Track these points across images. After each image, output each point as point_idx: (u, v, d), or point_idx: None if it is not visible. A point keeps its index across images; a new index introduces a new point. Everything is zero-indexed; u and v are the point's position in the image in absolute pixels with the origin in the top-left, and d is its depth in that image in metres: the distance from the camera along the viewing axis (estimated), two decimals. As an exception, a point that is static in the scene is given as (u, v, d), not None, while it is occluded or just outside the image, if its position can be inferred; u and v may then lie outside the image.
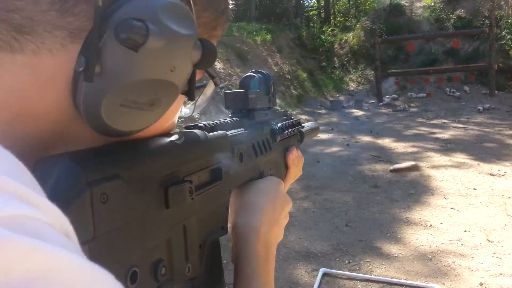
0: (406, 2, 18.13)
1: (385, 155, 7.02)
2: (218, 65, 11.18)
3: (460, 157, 6.59)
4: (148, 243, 0.38)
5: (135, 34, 0.31)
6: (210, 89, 0.56)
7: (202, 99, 0.58)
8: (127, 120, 0.36)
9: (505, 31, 13.39)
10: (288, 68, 14.09)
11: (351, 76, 15.93)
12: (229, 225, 0.61)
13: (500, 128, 8.84)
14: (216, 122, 0.59)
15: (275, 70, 13.28)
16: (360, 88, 15.12)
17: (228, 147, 0.57)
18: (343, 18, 27.50)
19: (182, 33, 0.35)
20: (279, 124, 0.79)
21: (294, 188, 5.47)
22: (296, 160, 0.88)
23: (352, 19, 23.98)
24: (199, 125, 0.54)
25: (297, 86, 13.67)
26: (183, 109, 0.57)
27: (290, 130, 0.83)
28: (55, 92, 0.34)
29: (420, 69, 13.46)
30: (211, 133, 0.54)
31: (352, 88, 15.27)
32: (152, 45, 0.33)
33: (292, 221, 4.37)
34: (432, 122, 10.21)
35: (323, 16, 26.67)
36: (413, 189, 5.22)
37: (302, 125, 0.97)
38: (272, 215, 0.63)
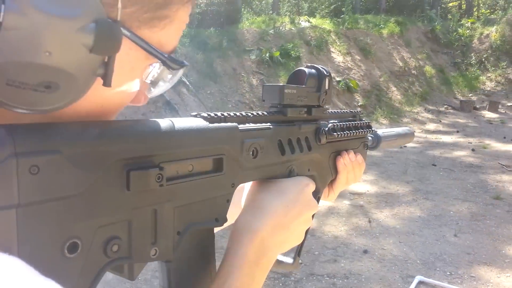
0: None
1: (517, 165, 6.24)
2: (338, 58, 11.04)
3: None
4: (100, 220, 0.40)
5: None
6: (165, 73, 0.47)
7: (161, 84, 0.49)
8: (23, 99, 0.35)
9: None
10: (415, 63, 13.23)
11: (489, 75, 14.31)
12: None
13: None
14: (233, 114, 0.57)
15: (399, 64, 12.60)
16: (498, 88, 13.50)
17: (237, 140, 0.55)
18: (488, 11, 24.68)
19: (55, 13, 0.33)
20: (329, 125, 0.74)
21: (401, 190, 5.22)
22: (350, 165, 0.81)
23: (499, 11, 21.37)
24: (201, 114, 0.53)
25: (423, 83, 12.77)
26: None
27: (345, 132, 0.78)
28: None
29: None
30: (214, 124, 0.53)
31: (488, 88, 13.71)
32: (10, 25, 0.31)
33: (394, 223, 4.20)
34: None
35: (464, 8, 24.28)
36: (544, 207, 4.57)
37: (373, 129, 0.90)
38: (282, 218, 0.59)
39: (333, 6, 16.31)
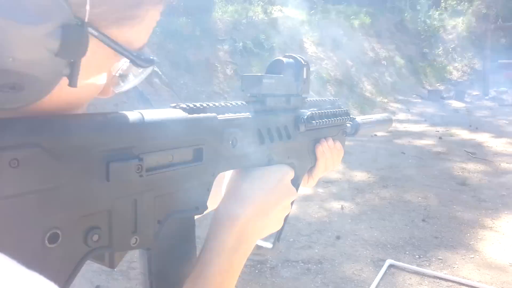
0: (530, -16, 16.13)
1: (481, 153, 6.50)
2: (310, 48, 11.14)
3: None
4: (80, 210, 0.42)
5: None
6: (134, 70, 0.48)
7: (131, 78, 0.49)
8: None
9: None
10: (385, 54, 13.50)
11: (455, 65, 14.77)
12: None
13: None
14: (212, 104, 0.58)
15: (370, 55, 12.83)
16: (464, 78, 13.97)
17: (216, 130, 0.57)
18: (454, 1, 25.29)
19: (18, 20, 0.33)
20: (307, 113, 0.75)
21: (372, 178, 5.37)
22: (328, 152, 0.83)
23: (465, 3, 21.98)
24: (180, 105, 0.54)
25: (393, 73, 13.06)
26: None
27: (324, 120, 0.79)
28: None
29: (539, 61, 12.04)
30: (194, 115, 0.54)
31: (455, 78, 14.17)
32: None
33: (365, 209, 4.33)
34: (545, 120, 9.14)
35: (431, -1, 24.78)
36: (506, 191, 4.81)
37: (351, 116, 0.92)
38: (261, 205, 0.61)
39: (305, -4, 16.38)
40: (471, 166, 5.83)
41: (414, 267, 3.20)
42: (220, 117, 0.58)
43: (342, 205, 4.42)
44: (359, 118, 0.99)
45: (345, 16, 13.54)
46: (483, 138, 7.54)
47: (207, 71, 8.56)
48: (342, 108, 0.90)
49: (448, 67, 14.71)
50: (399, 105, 11.26)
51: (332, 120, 0.83)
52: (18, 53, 0.35)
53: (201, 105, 0.56)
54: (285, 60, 0.72)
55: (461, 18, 16.22)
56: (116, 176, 0.44)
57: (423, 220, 4.05)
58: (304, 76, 0.73)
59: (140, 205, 0.48)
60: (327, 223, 4.01)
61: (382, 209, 4.36)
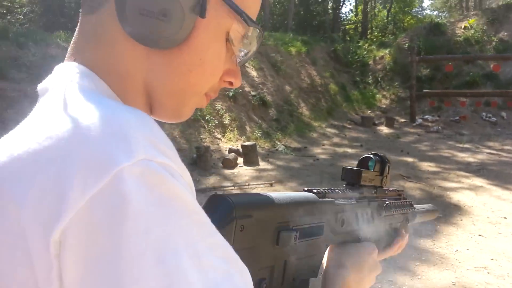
0: (447, 21, 17.85)
1: (415, 176, 6.93)
2: (252, 73, 11.34)
3: (493, 184, 6.43)
4: (259, 264, 0.57)
5: None
6: (254, 41, 0.55)
7: (247, 51, 0.57)
8: (150, 27, 0.46)
9: (549, 58, 12.96)
10: (321, 81, 14.09)
11: (384, 93, 15.77)
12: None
13: (537, 158, 8.56)
14: (331, 190, 0.73)
15: (307, 81, 13.32)
16: (393, 106, 14.93)
17: (333, 212, 0.72)
18: (380, 34, 27.29)
19: None
20: (386, 202, 0.90)
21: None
22: (403, 244, 0.96)
23: (390, 35, 23.76)
24: (313, 190, 0.70)
25: (328, 99, 13.64)
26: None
27: (398, 209, 0.94)
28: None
29: (457, 91, 13.17)
30: (322, 199, 0.70)
31: (384, 106, 15.10)
32: None
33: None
34: (465, 146, 10.00)
35: (360, 30, 26.55)
36: (442, 212, 5.14)
37: (414, 207, 1.06)
38: (357, 274, 0.72)
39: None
40: (407, 187, 6.18)
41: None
42: (337, 202, 0.73)
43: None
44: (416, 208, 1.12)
45: (282, 42, 14.00)
46: (414, 162, 8.06)
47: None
48: (407, 200, 1.04)
49: (377, 95, 15.67)
50: (335, 130, 11.73)
51: (402, 210, 0.97)
52: None
53: (324, 190, 0.72)
54: (373, 157, 0.85)
55: (388, 49, 17.46)
56: (283, 242, 0.59)
57: (371, 243, 4.19)
58: (387, 172, 0.87)
59: (288, 265, 0.63)
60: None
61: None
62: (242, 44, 0.54)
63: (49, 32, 9.50)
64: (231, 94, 9.74)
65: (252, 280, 0.45)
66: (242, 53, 0.56)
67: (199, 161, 6.96)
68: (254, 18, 0.53)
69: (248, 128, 9.61)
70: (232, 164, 7.25)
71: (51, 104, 0.43)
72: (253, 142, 8.06)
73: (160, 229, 0.35)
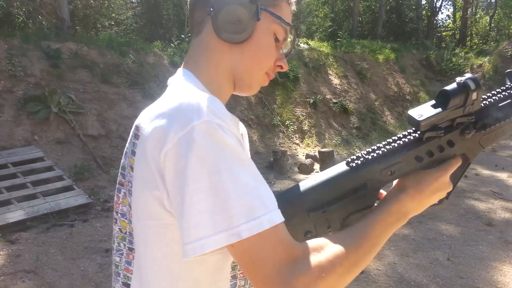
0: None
1: (508, 193, 6.34)
2: (334, 80, 11.24)
3: None
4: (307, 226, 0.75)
5: None
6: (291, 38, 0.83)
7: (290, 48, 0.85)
8: (233, 30, 0.75)
9: None
10: (409, 89, 13.48)
11: (481, 104, 14.60)
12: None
13: None
14: (376, 150, 0.78)
15: (394, 89, 12.83)
16: (490, 117, 13.76)
17: (376, 172, 0.77)
18: (480, 41, 25.31)
19: None
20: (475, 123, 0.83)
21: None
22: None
23: (492, 43, 21.93)
24: (354, 159, 0.77)
25: (417, 109, 12.99)
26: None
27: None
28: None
29: None
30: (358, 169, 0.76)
31: (480, 117, 13.98)
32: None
33: (389, 245, 4.25)
34: None
35: (457, 37, 24.86)
36: (535, 235, 4.66)
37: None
38: (416, 196, 0.76)
39: (330, 29, 16.65)
40: (497, 205, 5.69)
41: (439, 307, 3.11)
42: (382, 165, 0.77)
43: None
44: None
45: (370, 50, 13.65)
46: (510, 179, 7.37)
47: (232, 97, 8.70)
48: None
49: (473, 105, 14.54)
50: (422, 141, 11.14)
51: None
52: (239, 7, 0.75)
53: (365, 155, 0.78)
54: (449, 89, 0.77)
55: (487, 57, 16.16)
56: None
57: (448, 259, 3.96)
58: (474, 98, 0.77)
59: (332, 221, 0.77)
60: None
61: (406, 246, 4.28)
62: (284, 43, 0.82)
63: (148, 41, 10.35)
64: (311, 101, 9.76)
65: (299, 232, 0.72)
66: (285, 51, 0.84)
67: (275, 164, 7.09)
68: (289, 22, 0.81)
69: (327, 135, 9.54)
70: (308, 170, 7.27)
71: (168, 91, 0.76)
72: (331, 149, 8.00)
73: (211, 157, 0.60)
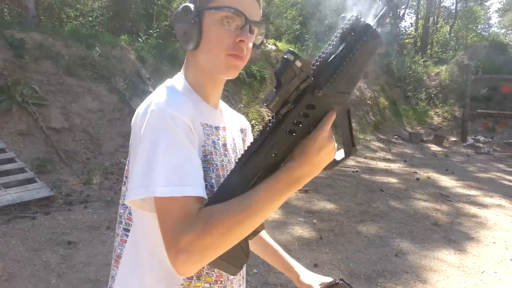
0: (510, 41, 17.09)
1: (455, 196, 6.82)
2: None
3: (538, 211, 6.21)
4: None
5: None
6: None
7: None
8: (185, 43, 0.94)
9: None
10: (370, 94, 14.02)
11: (437, 110, 15.38)
12: None
13: None
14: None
15: (357, 94, 13.30)
16: (444, 124, 14.54)
17: (263, 160, 0.87)
18: (440, 50, 26.48)
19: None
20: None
21: (351, 211, 5.60)
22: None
23: (450, 52, 23.01)
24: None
25: (376, 113, 13.54)
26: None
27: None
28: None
29: (514, 113, 12.67)
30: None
31: (435, 123, 14.73)
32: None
33: (343, 241, 4.53)
34: (517, 170, 9.59)
35: (418, 45, 25.89)
36: (475, 234, 5.08)
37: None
38: (304, 159, 0.83)
39: (298, 32, 16.98)
40: (444, 208, 6.12)
41: (385, 298, 3.39)
42: (263, 152, 0.84)
43: (321, 235, 4.62)
44: None
45: (335, 54, 14.04)
46: (458, 183, 7.89)
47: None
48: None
49: (429, 112, 15.30)
50: (380, 144, 11.64)
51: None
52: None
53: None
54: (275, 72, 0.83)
55: (445, 66, 16.99)
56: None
57: (396, 255, 4.27)
58: (298, 65, 0.80)
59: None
60: (306, 251, 4.19)
61: (358, 242, 4.57)
62: (234, 22, 0.91)
63: (115, 35, 10.24)
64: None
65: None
66: (240, 24, 0.91)
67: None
68: (230, 4, 0.89)
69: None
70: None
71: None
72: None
73: (154, 134, 0.80)
